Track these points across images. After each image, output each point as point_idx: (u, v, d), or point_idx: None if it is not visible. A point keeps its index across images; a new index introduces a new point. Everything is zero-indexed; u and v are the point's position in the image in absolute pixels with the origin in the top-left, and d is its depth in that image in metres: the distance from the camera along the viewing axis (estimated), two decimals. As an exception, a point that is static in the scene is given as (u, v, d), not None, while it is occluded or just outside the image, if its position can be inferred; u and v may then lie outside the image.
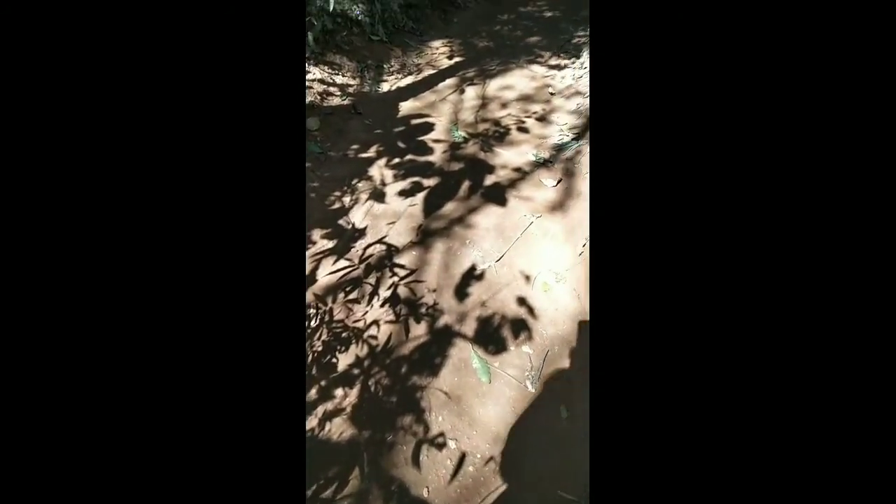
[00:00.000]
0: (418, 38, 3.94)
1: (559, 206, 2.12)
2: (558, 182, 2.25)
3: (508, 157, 2.47)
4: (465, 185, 2.29)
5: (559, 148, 2.50)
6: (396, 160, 2.48)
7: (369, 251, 1.92)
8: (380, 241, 1.97)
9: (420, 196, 2.22)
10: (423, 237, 2.00)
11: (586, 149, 2.42)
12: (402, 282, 1.78)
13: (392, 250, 1.93)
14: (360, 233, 2.02)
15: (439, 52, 3.76)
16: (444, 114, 2.91)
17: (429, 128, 2.75)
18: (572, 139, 2.55)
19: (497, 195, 2.21)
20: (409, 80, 3.31)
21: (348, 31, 3.52)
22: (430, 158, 2.48)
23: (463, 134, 2.68)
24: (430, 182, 2.31)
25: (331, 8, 3.16)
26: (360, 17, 3.59)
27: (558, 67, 3.48)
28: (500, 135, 2.68)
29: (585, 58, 3.49)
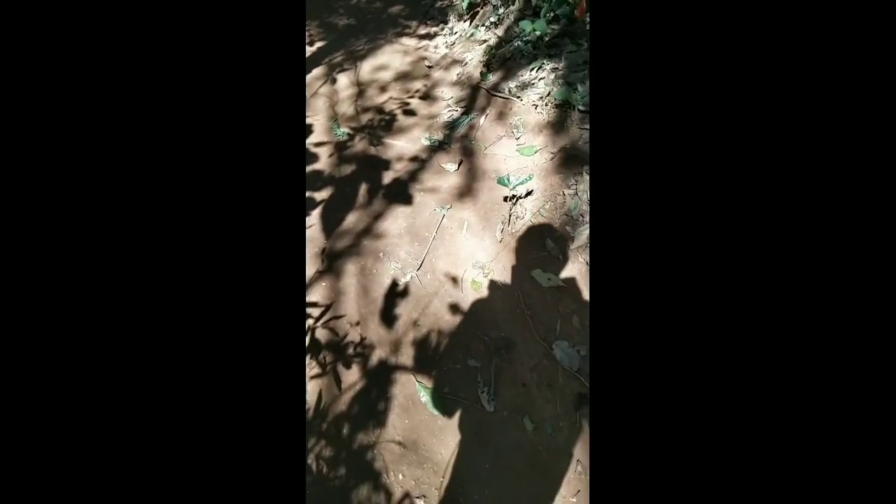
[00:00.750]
0: (269, 27, 3.45)
1: (467, 192, 1.96)
2: (459, 164, 2.08)
3: (401, 148, 2.24)
4: (363, 188, 2.03)
5: (451, 126, 2.32)
6: (277, 177, 2.14)
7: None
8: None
9: (315, 214, 1.93)
10: (330, 262, 1.74)
11: (480, 122, 2.27)
12: (319, 323, 1.53)
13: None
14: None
15: (297, 40, 3.33)
16: (320, 111, 2.57)
17: (308, 130, 2.41)
18: (462, 114, 2.37)
19: (400, 193, 2.00)
20: (269, 78, 2.89)
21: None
22: (317, 167, 2.17)
23: (346, 130, 2.38)
24: (322, 195, 2.02)
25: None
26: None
27: (429, 36, 3.24)
28: (386, 123, 2.43)
29: (453, 22, 3.30)
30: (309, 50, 3.18)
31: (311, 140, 2.33)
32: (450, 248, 1.74)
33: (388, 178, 2.07)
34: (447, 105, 2.48)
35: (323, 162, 2.19)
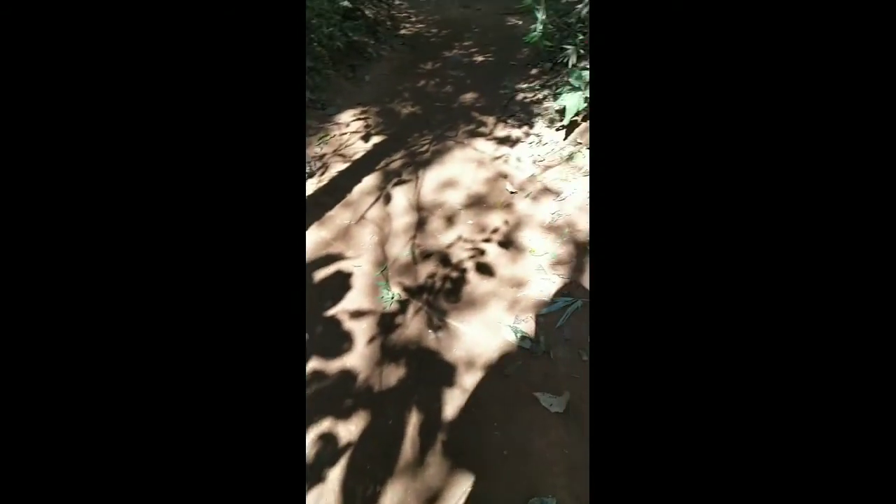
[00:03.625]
0: (321, 113, 2.84)
1: (580, 467, 1.15)
2: (567, 404, 1.28)
3: (474, 341, 1.47)
4: (412, 426, 1.25)
5: (546, 312, 1.54)
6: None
7: None
8: None
9: (334, 478, 1.16)
10: None
11: (586, 314, 1.48)
12: None
13: None
14: None
15: (350, 131, 2.69)
16: (365, 249, 1.85)
17: (343, 284, 1.68)
18: (562, 292, 1.59)
19: (471, 448, 1.20)
20: (309, 187, 2.21)
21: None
22: (348, 363, 1.42)
23: (397, 292, 1.64)
24: (348, 430, 1.25)
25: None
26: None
27: (509, 142, 2.54)
28: (452, 285, 1.67)
29: (541, 127, 2.58)
30: (364, 147, 2.52)
31: (345, 304, 1.59)
32: None
33: (452, 405, 1.29)
34: (538, 267, 1.71)
35: (358, 354, 1.43)
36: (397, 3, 4.88)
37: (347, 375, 1.37)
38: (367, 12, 4.07)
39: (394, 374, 1.36)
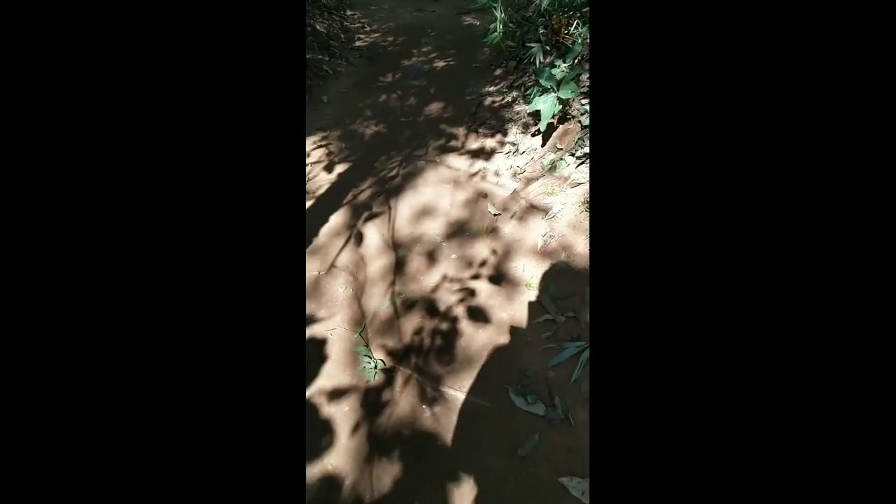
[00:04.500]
0: (276, 145, 2.54)
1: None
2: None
3: (476, 410, 1.22)
4: (417, 542, 1.00)
5: (554, 364, 1.30)
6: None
7: None
8: None
9: None
10: None
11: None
12: None
13: None
14: None
15: (311, 161, 2.41)
16: (339, 303, 1.59)
17: (317, 354, 1.42)
18: (569, 334, 1.36)
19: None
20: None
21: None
22: (330, 464, 1.16)
23: (380, 359, 1.38)
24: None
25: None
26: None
27: (484, 154, 2.29)
28: (444, 341, 1.42)
29: (515, 134, 2.34)
30: (328, 179, 2.25)
31: (323, 383, 1.33)
32: None
33: (461, 505, 1.04)
34: (539, 304, 1.47)
35: (341, 450, 1.18)
36: (349, 13, 4.58)
37: (331, 483, 1.11)
38: (318, 27, 3.77)
39: (387, 474, 1.11)
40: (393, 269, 1.69)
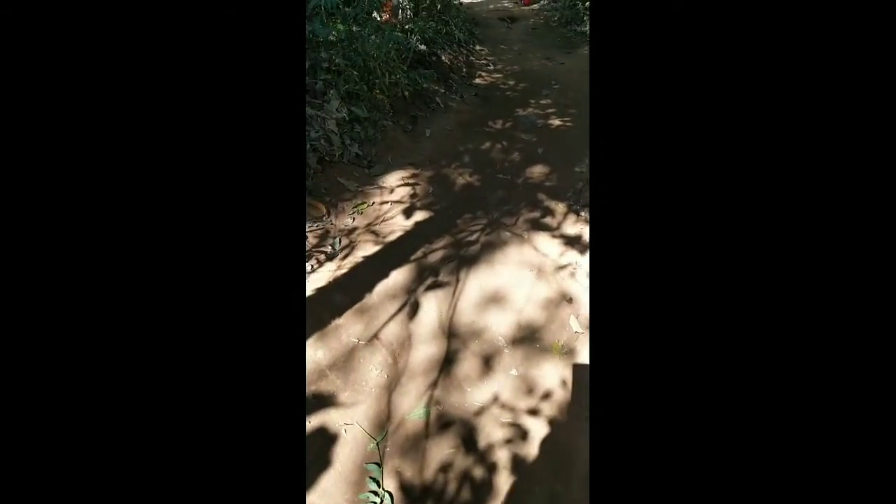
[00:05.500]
0: (365, 173, 2.40)
1: None
2: None
3: None
4: None
5: None
6: None
7: None
8: None
9: None
10: None
11: None
12: None
13: None
14: None
15: (393, 199, 2.23)
16: (367, 390, 1.33)
17: (321, 453, 1.16)
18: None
19: None
20: (323, 275, 1.74)
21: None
22: None
23: (389, 493, 1.09)
24: None
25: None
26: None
27: (580, 245, 1.96)
28: (472, 493, 1.10)
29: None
30: (403, 225, 2.04)
31: (314, 501, 1.07)
32: None
33: None
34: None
35: None
36: (478, 48, 4.49)
37: None
38: (443, 58, 3.68)
39: None
40: (440, 366, 1.41)
